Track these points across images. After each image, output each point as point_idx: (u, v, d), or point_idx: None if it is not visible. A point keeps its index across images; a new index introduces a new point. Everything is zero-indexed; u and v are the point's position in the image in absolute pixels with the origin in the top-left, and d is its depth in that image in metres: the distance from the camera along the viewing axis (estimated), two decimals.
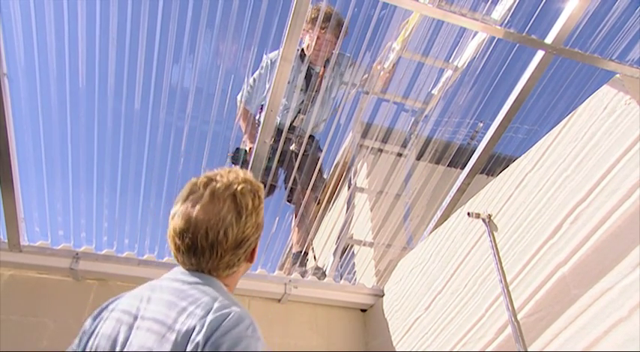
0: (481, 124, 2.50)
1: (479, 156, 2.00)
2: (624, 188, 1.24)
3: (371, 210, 2.77)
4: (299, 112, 2.48)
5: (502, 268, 1.65)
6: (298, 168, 2.43)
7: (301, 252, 2.60)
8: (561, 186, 1.45)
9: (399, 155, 2.71)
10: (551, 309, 1.42)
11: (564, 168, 1.46)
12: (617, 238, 1.24)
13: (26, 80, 2.05)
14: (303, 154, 2.44)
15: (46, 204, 2.15)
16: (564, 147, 1.48)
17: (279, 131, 2.36)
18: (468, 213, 1.81)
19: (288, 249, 2.80)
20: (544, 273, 1.47)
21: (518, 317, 1.54)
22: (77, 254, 2.06)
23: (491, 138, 1.94)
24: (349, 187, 2.65)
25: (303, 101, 2.47)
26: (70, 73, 2.06)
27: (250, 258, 1.04)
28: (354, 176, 2.59)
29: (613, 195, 1.26)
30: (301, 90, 2.46)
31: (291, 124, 2.51)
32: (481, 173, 2.26)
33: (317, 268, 2.58)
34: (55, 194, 2.16)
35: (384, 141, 2.67)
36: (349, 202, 2.66)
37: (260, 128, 1.86)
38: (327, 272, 2.59)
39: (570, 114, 1.49)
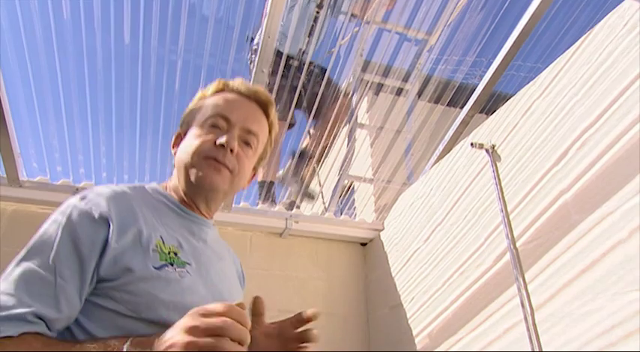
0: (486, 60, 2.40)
1: (485, 85, 1.94)
2: (636, 111, 1.20)
3: (371, 146, 2.74)
4: (309, 36, 2.37)
5: (503, 198, 1.65)
6: (306, 100, 2.38)
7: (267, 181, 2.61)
8: (570, 112, 1.41)
9: (400, 90, 2.63)
10: (550, 235, 1.44)
11: (574, 92, 1.40)
12: (625, 162, 1.22)
13: (6, 11, 1.93)
14: (311, 86, 2.38)
15: (41, 140, 2.12)
16: (576, 71, 1.42)
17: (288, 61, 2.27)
18: (472, 144, 1.78)
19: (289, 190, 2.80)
20: (546, 201, 1.47)
21: (517, 244, 1.56)
22: (77, 189, 2.06)
23: (500, 64, 1.87)
24: (349, 122, 2.60)
25: (313, 18, 2.35)
26: (52, 3, 1.94)
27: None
28: (354, 110, 2.53)
29: (624, 119, 1.22)
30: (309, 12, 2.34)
31: (299, 50, 2.41)
32: (481, 112, 2.21)
33: (305, 193, 2.59)
34: (50, 130, 2.12)
35: (385, 75, 2.58)
36: (350, 137, 2.62)
37: (257, 56, 1.78)
38: (327, 207, 2.62)
39: (586, 35, 1.41)
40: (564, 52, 1.53)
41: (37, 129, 2.11)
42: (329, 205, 2.58)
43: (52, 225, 0.72)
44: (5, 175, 1.94)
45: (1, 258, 1.89)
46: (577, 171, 1.37)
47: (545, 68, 1.62)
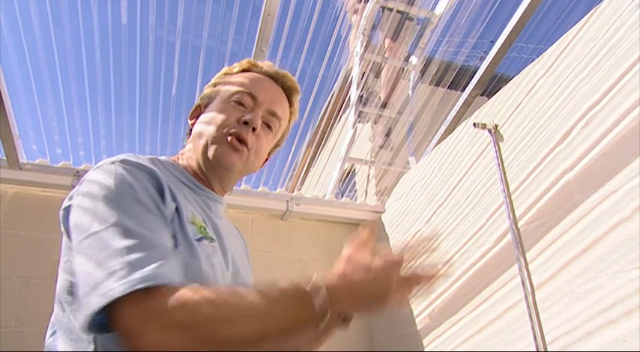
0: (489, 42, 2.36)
1: (488, 65, 1.91)
2: None
3: (372, 129, 2.72)
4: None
5: (505, 178, 1.65)
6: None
7: None
8: (575, 90, 1.39)
9: (402, 71, 2.59)
10: (552, 215, 1.43)
11: (580, 69, 1.38)
12: (629, 140, 1.21)
13: None
14: None
15: (40, 122, 2.11)
16: (582, 48, 1.39)
17: None
18: (474, 124, 1.77)
19: (292, 169, 2.80)
20: (549, 180, 1.46)
21: (519, 224, 1.56)
22: (78, 172, 2.05)
23: (503, 43, 1.84)
24: (350, 105, 2.57)
25: None
26: None
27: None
28: (355, 92, 2.50)
29: (630, 96, 1.20)
30: None
31: None
32: (482, 95, 2.19)
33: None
34: (48, 111, 2.10)
35: (387, 55, 2.54)
36: (352, 121, 2.60)
37: (257, 36, 1.75)
38: (329, 192, 2.61)
39: (592, 10, 1.38)
40: (570, 29, 1.50)
41: (36, 111, 2.09)
42: (330, 188, 2.57)
43: (120, 183, 0.62)
44: (5, 157, 1.93)
45: (2, 240, 1.90)
46: (581, 149, 1.35)
47: (548, 48, 1.59)
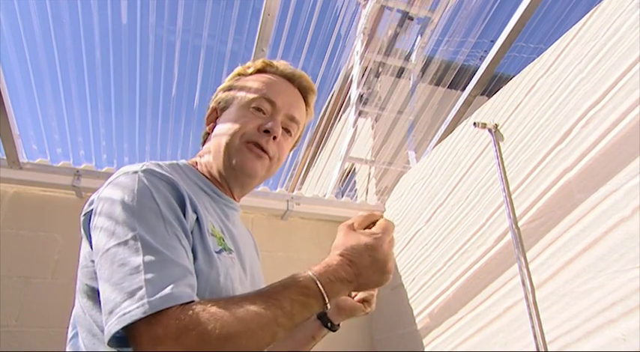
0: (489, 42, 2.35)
1: (488, 65, 1.91)
2: None
3: (372, 129, 2.72)
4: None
5: (506, 177, 1.65)
6: None
7: None
8: (575, 89, 1.39)
9: (402, 70, 2.59)
10: (552, 215, 1.43)
11: (580, 69, 1.38)
12: (629, 139, 1.20)
13: None
14: None
15: (40, 122, 2.11)
16: (582, 47, 1.39)
17: None
18: (474, 124, 1.77)
19: (292, 168, 2.80)
20: (549, 180, 1.46)
21: (519, 224, 1.56)
22: (78, 171, 2.05)
23: (503, 42, 1.83)
24: (351, 104, 2.57)
25: None
26: None
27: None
28: (356, 91, 2.50)
29: (630, 95, 1.20)
30: None
31: None
32: (482, 94, 2.18)
33: None
34: (49, 111, 2.10)
35: (387, 54, 2.54)
36: (352, 120, 2.60)
37: (257, 36, 1.75)
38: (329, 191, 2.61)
39: (593, 10, 1.37)
40: (570, 28, 1.50)
41: (36, 110, 2.09)
42: (330, 188, 2.57)
43: (142, 196, 0.62)
44: (5, 157, 1.93)
45: (2, 240, 1.91)
46: (581, 149, 1.35)
47: (548, 48, 1.59)
